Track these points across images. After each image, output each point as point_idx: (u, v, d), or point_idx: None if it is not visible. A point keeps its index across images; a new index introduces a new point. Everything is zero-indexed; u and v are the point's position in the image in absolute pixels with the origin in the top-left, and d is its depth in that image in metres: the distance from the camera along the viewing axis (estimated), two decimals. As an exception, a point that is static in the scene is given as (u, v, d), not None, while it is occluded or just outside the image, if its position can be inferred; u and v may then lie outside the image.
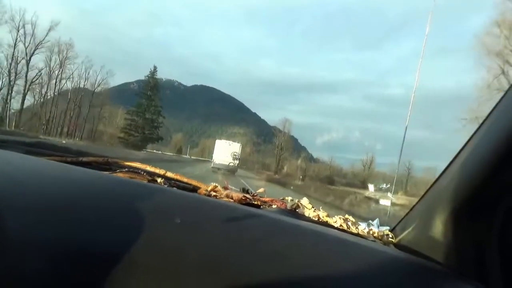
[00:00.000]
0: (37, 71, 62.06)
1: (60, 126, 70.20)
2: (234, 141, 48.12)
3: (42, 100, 65.28)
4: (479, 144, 0.89)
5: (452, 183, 0.95)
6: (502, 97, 0.86)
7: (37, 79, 62.36)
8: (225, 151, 41.33)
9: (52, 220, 0.82)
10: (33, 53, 59.21)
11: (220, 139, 49.65)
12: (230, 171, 37.14)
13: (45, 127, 64.73)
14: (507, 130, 0.79)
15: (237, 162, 41.84)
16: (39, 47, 60.03)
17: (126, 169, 1.20)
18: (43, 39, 60.07)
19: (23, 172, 0.99)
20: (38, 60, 63.69)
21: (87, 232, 0.82)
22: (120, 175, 1.14)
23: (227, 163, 39.60)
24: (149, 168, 1.24)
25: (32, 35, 58.47)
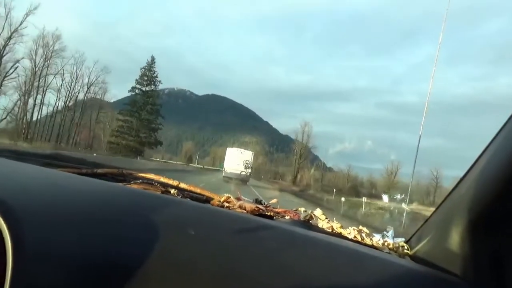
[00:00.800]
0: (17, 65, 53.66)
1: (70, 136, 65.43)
2: (246, 149, 46.35)
3: (24, 100, 57.28)
4: (496, 152, 0.87)
5: (469, 193, 0.93)
6: None
7: (12, 72, 53.54)
8: (237, 159, 39.72)
9: (67, 233, 0.83)
10: (7, 42, 50.50)
11: (232, 147, 48.06)
12: (242, 180, 35.77)
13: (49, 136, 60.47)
14: None
15: (249, 171, 40.02)
16: (15, 35, 50.23)
17: (140, 181, 1.22)
18: (20, 25, 51.20)
19: (39, 184, 1.01)
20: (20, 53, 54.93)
21: (102, 244, 0.83)
22: (135, 186, 1.16)
23: (239, 172, 37.91)
24: (162, 179, 1.25)
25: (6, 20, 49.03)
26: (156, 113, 70.70)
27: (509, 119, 0.87)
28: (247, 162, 39.48)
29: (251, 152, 42.20)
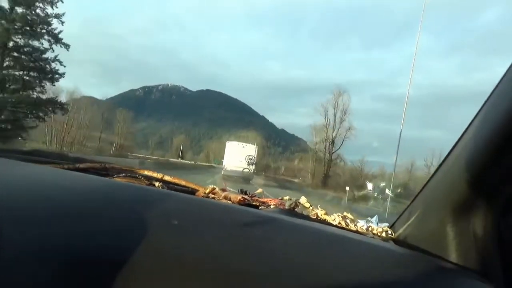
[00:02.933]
0: None
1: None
2: (247, 143, 39.09)
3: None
4: (474, 136, 0.88)
5: (448, 176, 0.95)
6: (497, 86, 0.86)
7: None
8: (239, 154, 33.40)
9: (51, 228, 0.82)
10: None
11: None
12: (244, 178, 29.92)
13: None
14: (502, 120, 0.78)
15: (253, 167, 33.90)
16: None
17: (123, 174, 1.21)
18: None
19: (21, 179, 1.00)
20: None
21: (87, 238, 0.83)
22: (118, 180, 1.15)
23: (241, 169, 32.15)
24: (146, 172, 1.25)
25: None
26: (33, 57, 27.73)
27: (483, 104, 0.88)
28: (250, 157, 33.40)
29: (255, 146, 35.50)
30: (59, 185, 1.00)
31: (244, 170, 32.26)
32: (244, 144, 36.04)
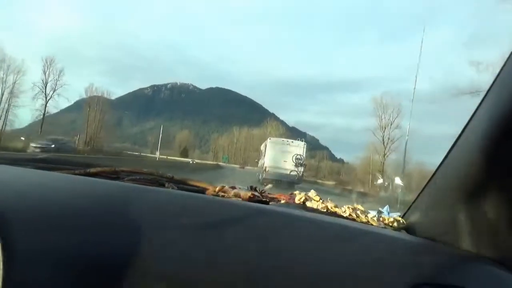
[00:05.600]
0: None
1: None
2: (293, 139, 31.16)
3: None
4: (481, 121, 0.87)
5: (458, 164, 0.94)
6: (500, 71, 0.85)
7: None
8: (283, 154, 26.92)
9: (61, 233, 0.84)
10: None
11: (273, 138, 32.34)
12: (291, 182, 23.84)
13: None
14: (507, 104, 0.78)
15: (302, 169, 26.91)
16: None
17: (134, 177, 1.23)
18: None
19: (36, 187, 1.03)
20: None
21: (99, 242, 0.85)
22: (129, 183, 1.17)
23: (288, 172, 25.95)
24: (156, 173, 1.26)
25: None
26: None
27: (488, 90, 0.87)
28: (298, 157, 26.63)
29: (303, 143, 27.99)
30: (68, 190, 1.02)
31: (291, 173, 25.89)
32: (290, 140, 28.94)
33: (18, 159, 1.32)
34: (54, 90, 61.74)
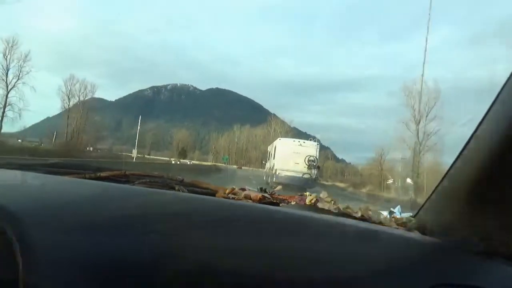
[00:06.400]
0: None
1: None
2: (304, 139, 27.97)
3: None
4: (494, 121, 0.87)
5: (470, 164, 0.93)
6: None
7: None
8: (295, 155, 24.27)
9: (76, 236, 0.84)
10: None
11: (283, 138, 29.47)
12: (303, 186, 20.07)
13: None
14: None
15: (315, 171, 24.08)
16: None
17: (143, 180, 1.22)
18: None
19: (45, 191, 1.03)
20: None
21: (112, 245, 0.85)
22: (139, 186, 1.17)
23: (301, 174, 23.26)
24: (166, 176, 1.26)
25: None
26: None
27: (495, 99, 0.87)
28: (311, 158, 23.92)
29: (316, 143, 25.35)
30: (79, 194, 1.02)
31: (304, 176, 23.22)
32: (302, 140, 26.19)
33: (28, 165, 1.32)
34: (18, 78, 50.98)
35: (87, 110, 60.47)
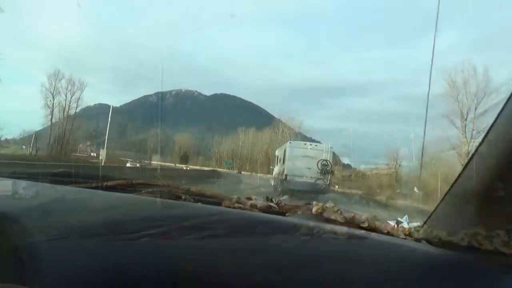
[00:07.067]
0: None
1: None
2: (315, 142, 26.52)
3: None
4: (504, 127, 0.86)
5: (480, 170, 0.92)
6: None
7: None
8: (306, 159, 22.54)
9: (87, 245, 0.85)
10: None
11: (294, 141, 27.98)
12: (316, 192, 19.74)
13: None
14: None
15: (329, 177, 22.46)
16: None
17: (150, 189, 1.23)
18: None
19: (55, 201, 1.04)
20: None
21: (121, 256, 0.85)
22: (146, 195, 1.17)
23: (313, 180, 21.53)
24: (172, 185, 1.26)
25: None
26: None
27: (506, 102, 0.86)
28: (324, 163, 22.34)
29: (329, 147, 23.71)
30: (90, 205, 1.03)
31: (317, 182, 21.53)
32: (313, 144, 24.47)
33: (35, 174, 1.33)
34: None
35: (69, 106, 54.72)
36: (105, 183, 1.23)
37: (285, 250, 0.90)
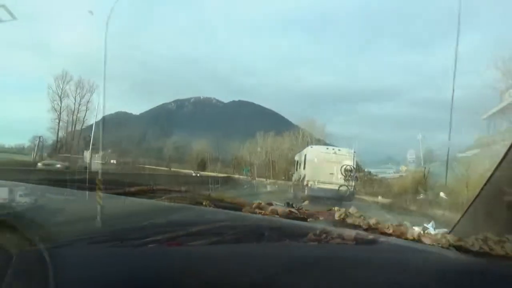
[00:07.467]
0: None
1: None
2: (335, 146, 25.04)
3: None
4: None
5: (509, 175, 0.89)
6: None
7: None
8: (329, 164, 21.20)
9: (109, 250, 0.85)
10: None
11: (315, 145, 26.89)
12: (339, 199, 17.73)
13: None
14: None
15: (353, 183, 21.02)
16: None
17: (171, 195, 1.24)
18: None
19: (78, 207, 1.06)
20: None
21: (142, 259, 0.85)
22: (167, 201, 1.18)
23: (336, 186, 20.13)
24: (193, 191, 1.27)
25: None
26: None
27: None
28: (348, 168, 21.04)
29: (353, 151, 22.44)
30: (113, 211, 1.04)
31: (341, 188, 20.11)
32: (336, 148, 23.08)
33: (59, 180, 1.36)
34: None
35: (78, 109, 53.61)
36: (127, 189, 1.25)
37: (306, 256, 0.88)
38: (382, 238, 1.00)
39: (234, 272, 0.80)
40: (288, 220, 1.10)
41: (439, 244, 1.04)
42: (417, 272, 0.84)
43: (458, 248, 0.99)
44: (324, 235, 1.08)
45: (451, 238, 1.04)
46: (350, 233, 0.99)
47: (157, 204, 1.10)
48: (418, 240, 1.06)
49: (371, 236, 0.99)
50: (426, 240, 1.06)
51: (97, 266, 0.80)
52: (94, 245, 0.89)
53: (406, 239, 1.06)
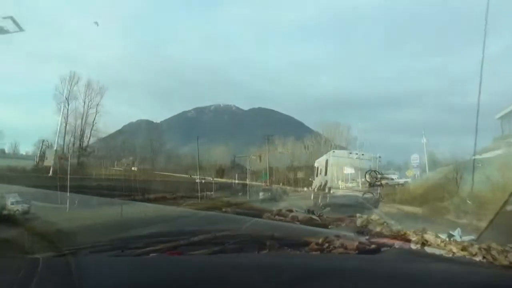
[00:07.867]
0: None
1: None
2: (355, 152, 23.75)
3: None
4: None
5: None
6: None
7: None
8: (351, 169, 20.43)
9: (112, 262, 0.87)
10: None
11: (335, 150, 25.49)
12: (362, 207, 14.54)
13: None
14: None
15: (378, 190, 19.14)
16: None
17: (191, 201, 1.24)
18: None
19: (104, 216, 1.08)
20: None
21: (160, 264, 0.86)
22: (187, 208, 1.18)
23: (360, 193, 18.64)
24: (213, 197, 1.27)
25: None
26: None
27: None
28: (373, 174, 19.65)
29: (377, 156, 21.16)
30: (136, 218, 1.05)
31: (365, 195, 18.24)
32: (360, 153, 21.95)
33: (92, 187, 1.39)
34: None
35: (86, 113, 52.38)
36: (147, 196, 1.26)
37: (325, 263, 0.87)
38: (407, 246, 0.98)
39: (235, 283, 0.79)
40: (309, 227, 1.09)
41: (465, 251, 1.01)
42: (446, 280, 0.81)
43: (485, 256, 0.96)
44: (326, 245, 1.07)
45: (477, 245, 1.01)
46: (353, 242, 0.98)
47: (175, 210, 1.11)
48: (444, 247, 1.03)
49: (395, 244, 0.97)
50: (452, 248, 1.03)
51: (98, 275, 0.80)
52: (95, 254, 0.91)
53: (432, 246, 1.03)
